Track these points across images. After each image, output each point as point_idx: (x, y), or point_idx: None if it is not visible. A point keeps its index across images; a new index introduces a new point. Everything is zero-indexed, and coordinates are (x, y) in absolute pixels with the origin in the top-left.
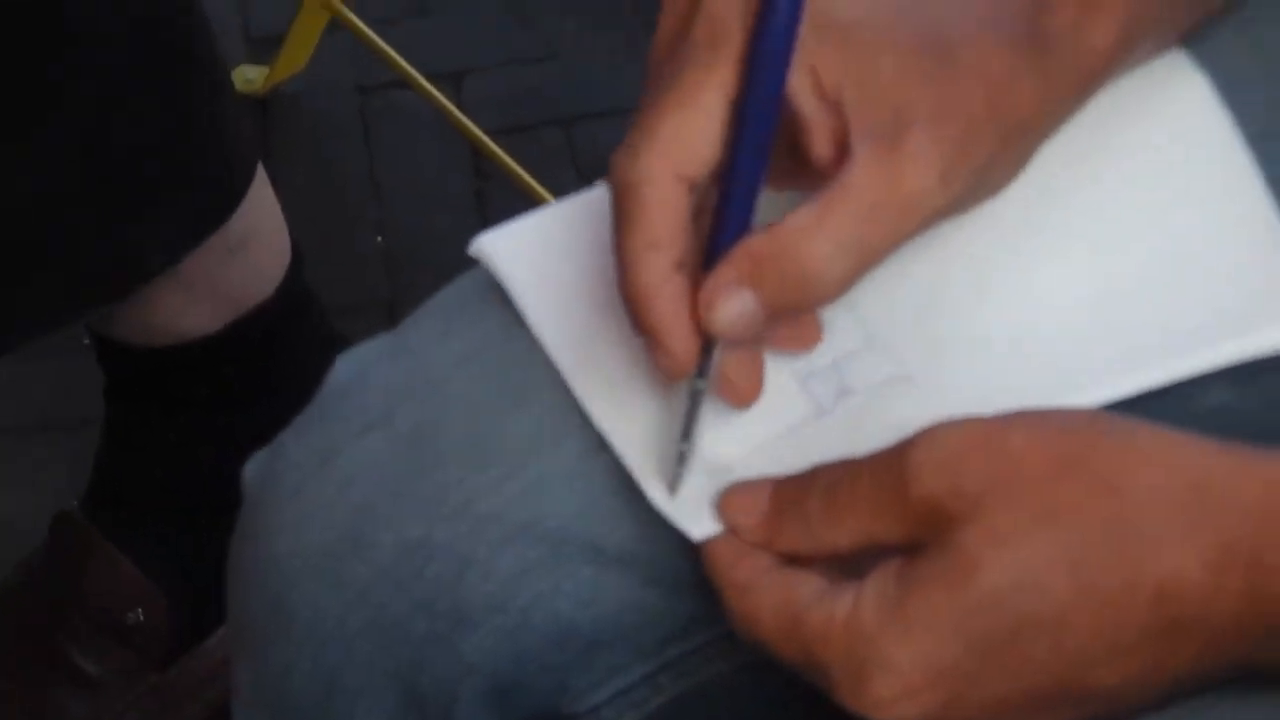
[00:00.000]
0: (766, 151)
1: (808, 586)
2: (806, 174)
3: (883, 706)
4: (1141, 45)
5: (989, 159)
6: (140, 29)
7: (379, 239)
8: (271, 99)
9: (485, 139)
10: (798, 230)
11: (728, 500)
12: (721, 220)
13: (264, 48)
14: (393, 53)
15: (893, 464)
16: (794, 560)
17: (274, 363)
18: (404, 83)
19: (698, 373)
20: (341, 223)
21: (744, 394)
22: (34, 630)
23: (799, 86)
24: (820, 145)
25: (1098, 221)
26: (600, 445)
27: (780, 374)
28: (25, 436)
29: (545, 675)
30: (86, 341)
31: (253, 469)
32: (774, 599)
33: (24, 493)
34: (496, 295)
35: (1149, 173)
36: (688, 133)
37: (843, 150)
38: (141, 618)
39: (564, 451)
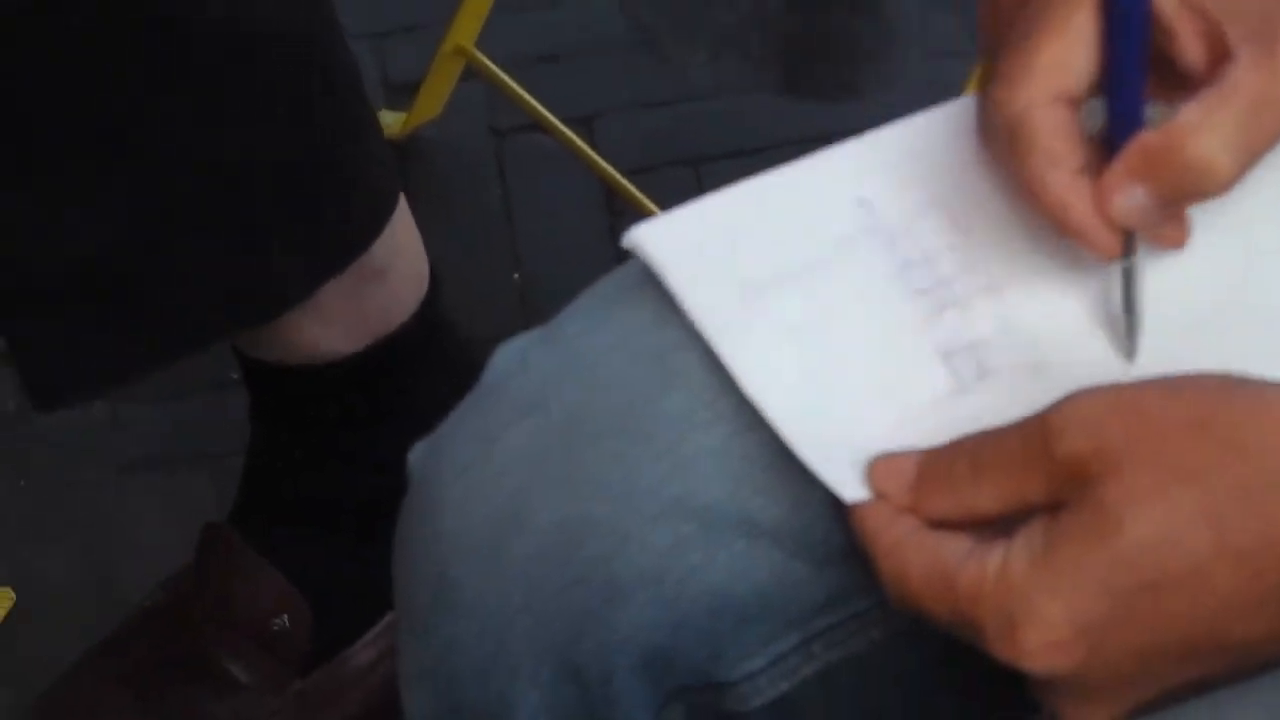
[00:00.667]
0: (1145, 55)
1: (956, 546)
2: (1171, 85)
3: (1034, 656)
4: None
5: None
6: (284, 64)
7: (515, 275)
8: (409, 143)
9: (618, 177)
10: (1187, 126)
11: (876, 468)
12: (1114, 124)
13: (401, 94)
14: (526, 96)
15: (1037, 427)
16: (941, 525)
17: (411, 384)
18: (538, 125)
19: (1125, 254)
20: (479, 260)
21: (1177, 240)
22: (184, 638)
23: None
24: (1192, 51)
25: None
26: (751, 425)
27: (923, 349)
28: (176, 468)
29: (699, 646)
30: (235, 376)
31: (417, 454)
32: (923, 559)
33: (175, 520)
34: (647, 287)
35: None
36: (1065, 57)
37: (1215, 55)
38: (286, 624)
39: (716, 431)
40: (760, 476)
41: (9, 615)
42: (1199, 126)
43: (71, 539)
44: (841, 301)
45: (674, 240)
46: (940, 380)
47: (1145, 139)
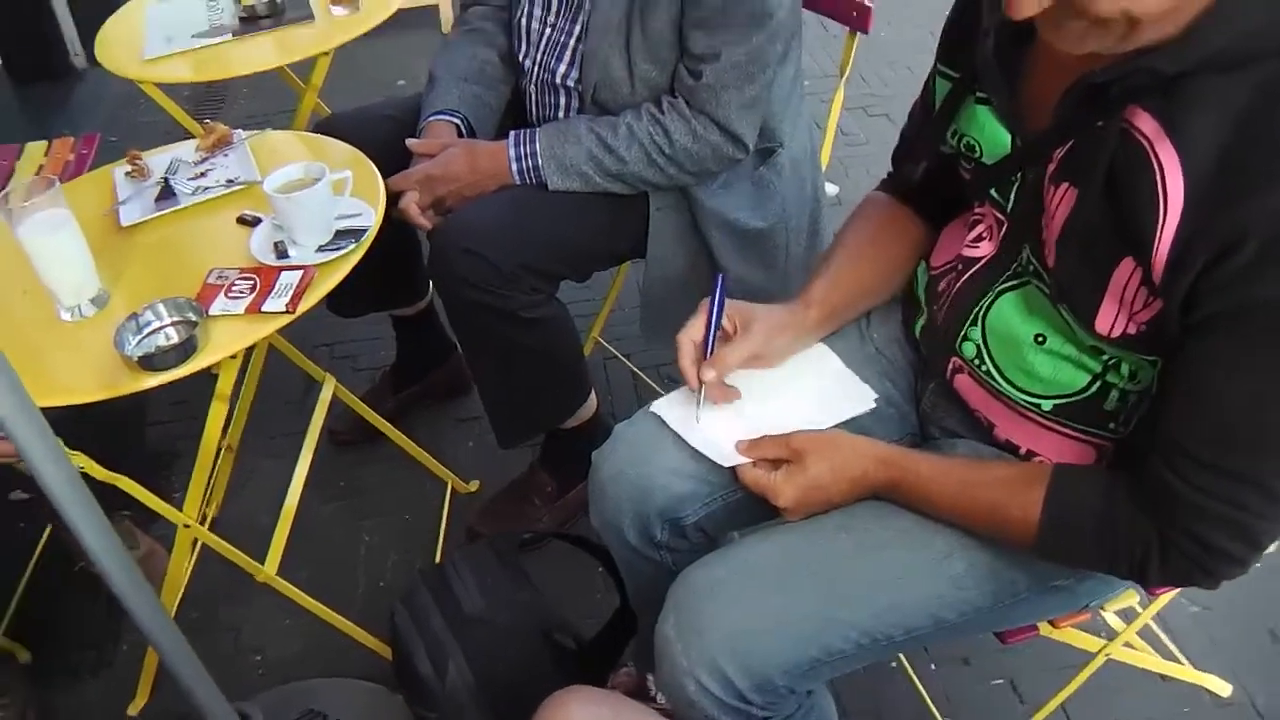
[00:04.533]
0: (716, 332)
1: (763, 473)
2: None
3: (786, 503)
4: (831, 324)
5: (779, 346)
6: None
7: None
8: None
9: None
10: (724, 351)
11: (739, 443)
12: (705, 350)
13: None
14: None
15: (787, 438)
16: (761, 464)
17: None
18: None
19: (700, 386)
20: None
21: (719, 399)
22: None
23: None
24: (730, 330)
25: (788, 385)
26: (694, 455)
27: (744, 427)
28: None
29: (676, 508)
30: None
31: (596, 454)
32: (754, 476)
33: None
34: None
35: (806, 373)
36: (694, 330)
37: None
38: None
39: (685, 453)
40: (695, 467)
41: None
42: (727, 355)
43: None
44: (723, 420)
45: (667, 409)
46: (746, 433)
47: (715, 355)
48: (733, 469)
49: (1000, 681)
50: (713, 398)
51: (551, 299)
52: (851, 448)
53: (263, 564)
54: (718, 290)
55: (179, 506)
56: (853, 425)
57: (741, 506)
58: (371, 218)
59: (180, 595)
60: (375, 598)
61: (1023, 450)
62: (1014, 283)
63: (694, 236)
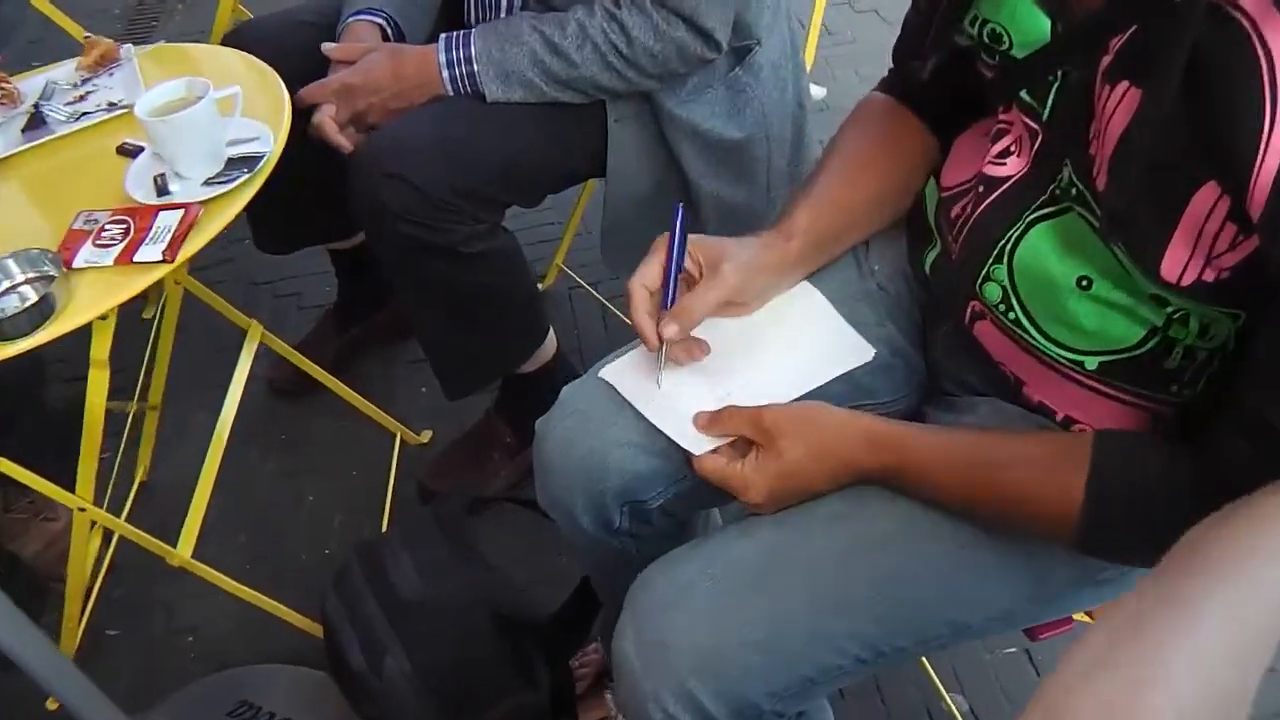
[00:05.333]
0: (678, 274)
1: (724, 461)
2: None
3: (756, 497)
4: (819, 258)
5: (755, 289)
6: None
7: None
8: None
9: None
10: (690, 298)
11: (699, 414)
12: (665, 299)
13: None
14: None
15: (757, 413)
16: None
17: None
18: None
19: (661, 346)
20: None
21: (682, 357)
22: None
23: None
24: (696, 271)
25: (766, 337)
26: (650, 426)
27: (712, 394)
28: None
29: (635, 490)
30: None
31: (539, 423)
32: (715, 466)
33: None
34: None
35: (788, 321)
36: (650, 275)
37: (711, 267)
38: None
39: (641, 428)
40: (656, 441)
41: None
42: (694, 299)
43: None
44: (685, 386)
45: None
46: (712, 402)
47: (678, 304)
48: (688, 456)
49: (1013, 650)
50: (673, 356)
51: (496, 229)
52: (836, 426)
53: (176, 545)
54: (678, 225)
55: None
56: (848, 382)
57: (698, 487)
58: (270, 142)
59: (92, 581)
60: (319, 567)
61: (1059, 416)
62: (1050, 210)
63: (661, 150)
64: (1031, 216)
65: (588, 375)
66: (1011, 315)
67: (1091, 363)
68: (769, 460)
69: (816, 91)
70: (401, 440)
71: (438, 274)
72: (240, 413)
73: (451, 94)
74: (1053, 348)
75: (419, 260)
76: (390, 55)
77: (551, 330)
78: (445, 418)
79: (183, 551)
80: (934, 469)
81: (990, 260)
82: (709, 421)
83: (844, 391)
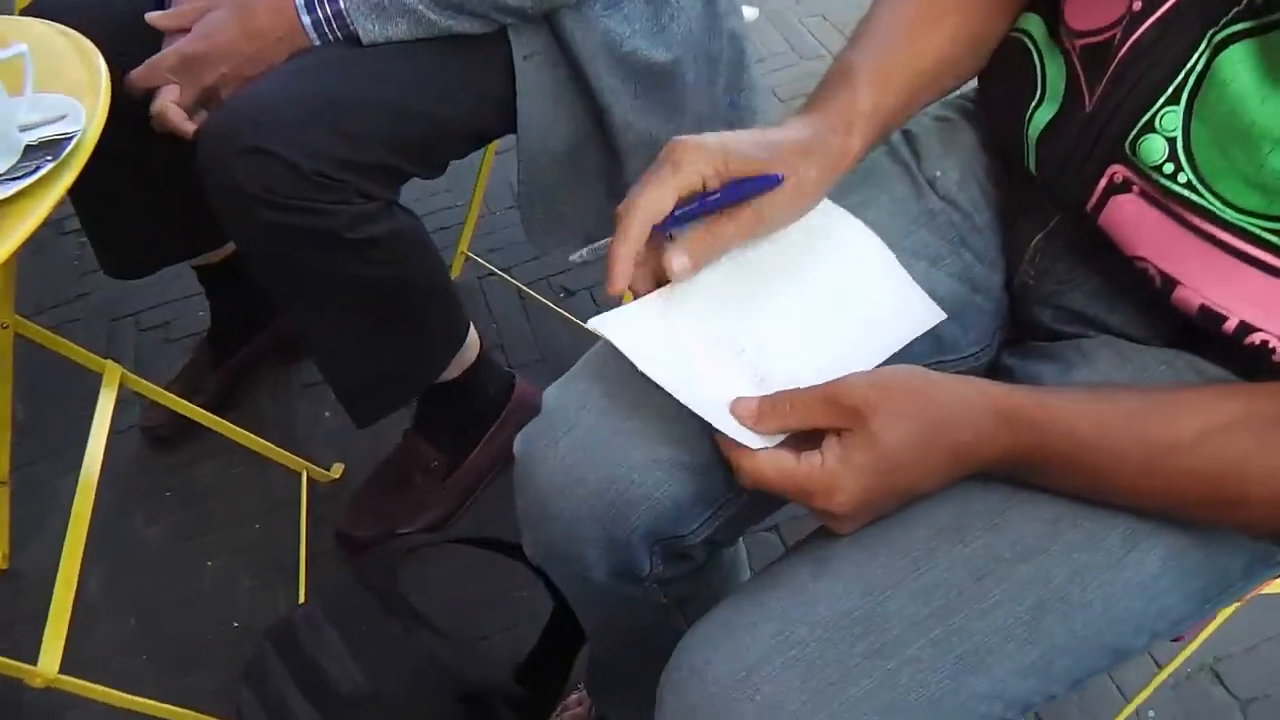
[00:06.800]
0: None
1: (788, 456)
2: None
3: (841, 506)
4: (875, 147)
5: (794, 190)
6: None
7: None
8: None
9: None
10: (718, 226)
11: (735, 405)
12: (664, 224)
13: None
14: None
15: (829, 390)
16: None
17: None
18: None
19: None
20: None
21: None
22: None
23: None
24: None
25: (803, 292)
26: (678, 423)
27: (740, 376)
28: None
29: (666, 524)
30: None
31: (519, 441)
32: (774, 462)
33: None
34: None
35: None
36: (660, 200)
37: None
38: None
39: (666, 425)
40: (695, 449)
41: None
42: (720, 226)
43: None
44: (705, 363)
45: (622, 324)
46: (745, 386)
47: (696, 233)
48: (735, 460)
49: None
50: (636, 288)
51: (391, 208)
52: (954, 397)
53: (36, 659)
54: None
55: None
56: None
57: (763, 497)
58: (81, 117)
59: None
60: (229, 644)
61: (1231, 323)
62: (1247, 24)
63: (576, 87)
64: (1221, 36)
65: (580, 364)
66: (1182, 178)
67: None
68: (858, 449)
69: (749, 13)
70: (309, 479)
71: (321, 270)
72: (111, 471)
73: (318, 42)
74: (1238, 217)
75: (296, 254)
76: (235, 10)
77: (473, 327)
78: (357, 445)
79: (46, 667)
80: (1095, 451)
81: (1159, 103)
82: (758, 414)
83: (917, 350)
